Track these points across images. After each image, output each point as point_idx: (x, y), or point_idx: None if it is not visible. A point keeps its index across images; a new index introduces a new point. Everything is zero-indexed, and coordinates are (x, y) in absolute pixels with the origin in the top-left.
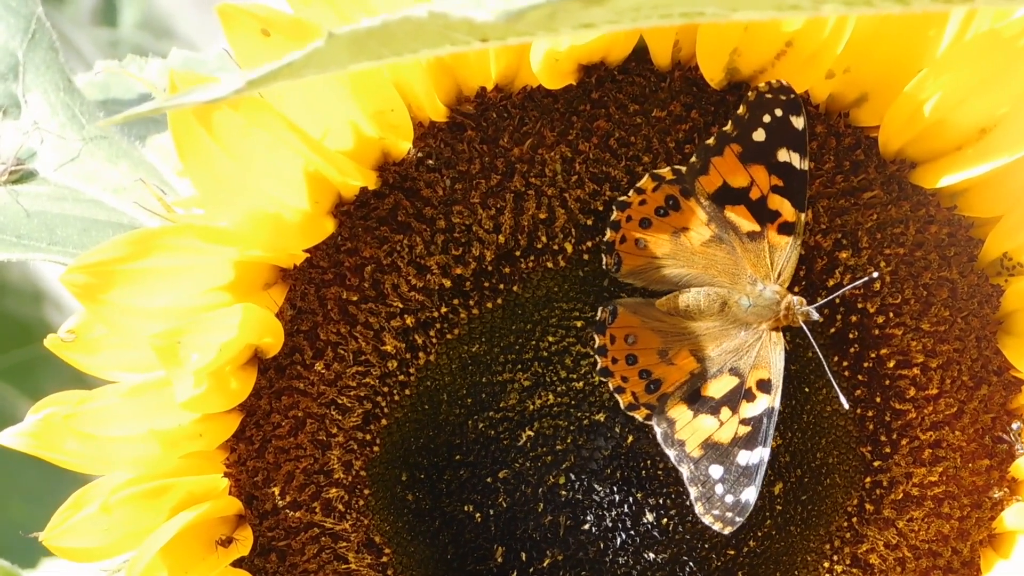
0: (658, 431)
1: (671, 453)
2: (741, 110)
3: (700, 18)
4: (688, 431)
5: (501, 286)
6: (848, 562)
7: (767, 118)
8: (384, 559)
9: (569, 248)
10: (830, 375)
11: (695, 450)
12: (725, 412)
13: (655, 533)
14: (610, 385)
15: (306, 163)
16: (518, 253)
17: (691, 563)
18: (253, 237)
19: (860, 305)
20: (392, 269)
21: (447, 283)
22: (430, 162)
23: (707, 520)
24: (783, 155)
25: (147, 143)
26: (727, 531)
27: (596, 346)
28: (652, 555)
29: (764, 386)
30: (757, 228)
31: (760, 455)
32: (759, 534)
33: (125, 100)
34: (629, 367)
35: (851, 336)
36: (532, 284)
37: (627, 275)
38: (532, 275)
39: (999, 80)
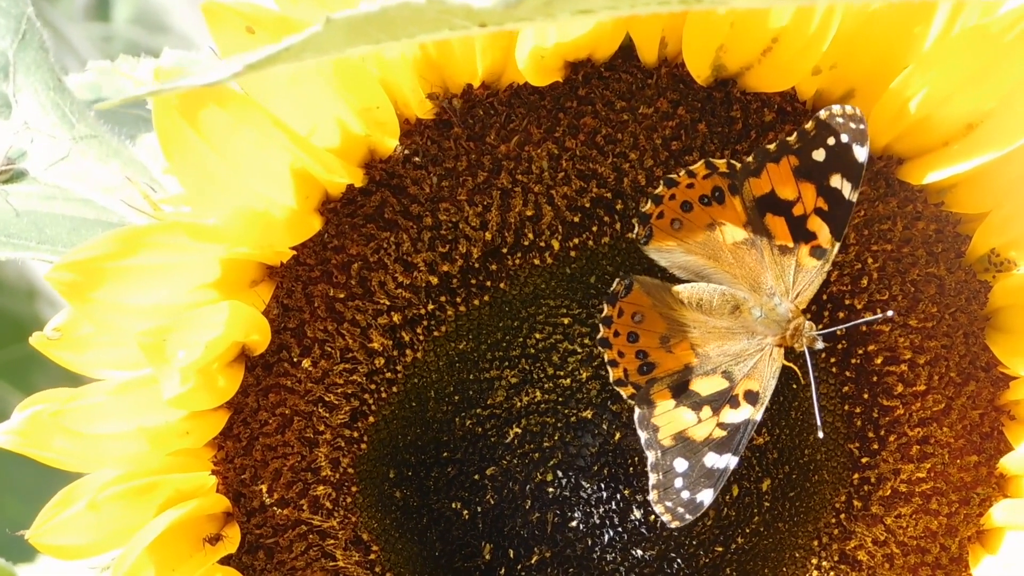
0: (636, 411)
1: (643, 435)
2: (809, 125)
3: (697, 5)
4: (665, 419)
5: (488, 283)
6: (836, 558)
7: (831, 140)
8: (372, 556)
9: (556, 245)
10: (816, 402)
11: (667, 439)
12: (706, 411)
13: (643, 530)
14: (605, 356)
15: (293, 160)
16: (505, 250)
17: (679, 560)
18: (240, 234)
19: (848, 301)
20: (379, 266)
21: (434, 280)
22: (417, 159)
23: (658, 509)
24: (836, 181)
25: (137, 142)
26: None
27: (603, 315)
28: (640, 552)
29: (751, 397)
30: (790, 244)
31: (727, 462)
32: (747, 530)
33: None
34: (629, 344)
35: (838, 332)
36: (519, 281)
37: (652, 250)
38: (519, 272)
39: (985, 76)
